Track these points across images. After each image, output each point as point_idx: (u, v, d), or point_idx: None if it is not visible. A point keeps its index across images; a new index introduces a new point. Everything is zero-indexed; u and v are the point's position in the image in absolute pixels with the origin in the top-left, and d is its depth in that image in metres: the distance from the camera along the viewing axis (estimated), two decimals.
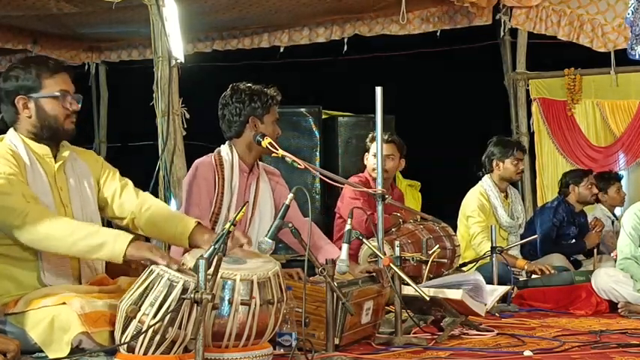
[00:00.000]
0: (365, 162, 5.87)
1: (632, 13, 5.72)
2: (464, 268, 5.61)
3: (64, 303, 3.03)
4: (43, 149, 3.37)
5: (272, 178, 4.45)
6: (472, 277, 4.28)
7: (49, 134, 3.36)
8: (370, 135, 5.84)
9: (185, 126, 5.45)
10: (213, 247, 2.98)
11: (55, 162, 3.39)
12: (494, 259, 5.33)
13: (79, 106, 3.41)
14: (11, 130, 3.38)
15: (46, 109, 3.33)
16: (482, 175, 6.43)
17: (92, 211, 3.46)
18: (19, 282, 3.24)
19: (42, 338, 3.04)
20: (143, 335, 2.83)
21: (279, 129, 4.37)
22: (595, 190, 6.99)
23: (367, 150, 5.85)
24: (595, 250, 6.58)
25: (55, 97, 3.33)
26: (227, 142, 4.33)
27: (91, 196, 3.47)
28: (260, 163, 4.45)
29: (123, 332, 2.90)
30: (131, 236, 3.07)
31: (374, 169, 5.58)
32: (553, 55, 8.56)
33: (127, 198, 3.53)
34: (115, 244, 3.06)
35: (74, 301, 3.02)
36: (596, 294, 5.27)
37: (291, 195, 3.57)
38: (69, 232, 3.09)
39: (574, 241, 6.80)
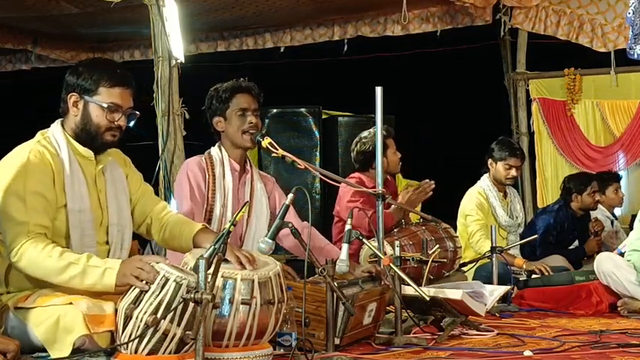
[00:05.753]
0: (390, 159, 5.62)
1: (633, 13, 5.70)
2: (464, 268, 5.61)
3: (71, 303, 3.05)
4: (87, 152, 3.40)
5: (267, 183, 4.41)
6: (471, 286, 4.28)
7: (86, 139, 3.39)
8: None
9: (185, 126, 5.46)
10: (213, 247, 2.98)
11: (97, 165, 3.43)
12: (494, 258, 5.33)
13: (126, 124, 3.43)
14: (58, 124, 3.41)
15: (91, 114, 3.36)
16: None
17: (126, 217, 3.52)
18: (47, 285, 3.24)
19: (46, 337, 3.05)
20: (142, 335, 2.83)
21: (252, 118, 4.20)
22: (598, 197, 6.90)
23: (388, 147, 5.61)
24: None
25: (102, 107, 3.35)
26: (217, 143, 4.33)
27: (125, 203, 3.53)
28: (255, 168, 4.44)
29: (123, 332, 2.90)
30: (116, 269, 3.05)
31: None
32: (553, 55, 8.56)
33: (147, 204, 3.62)
34: (103, 283, 3.08)
35: (81, 302, 3.04)
36: (597, 293, 5.26)
37: (291, 195, 3.57)
38: (54, 274, 3.11)
39: (575, 244, 6.80)
